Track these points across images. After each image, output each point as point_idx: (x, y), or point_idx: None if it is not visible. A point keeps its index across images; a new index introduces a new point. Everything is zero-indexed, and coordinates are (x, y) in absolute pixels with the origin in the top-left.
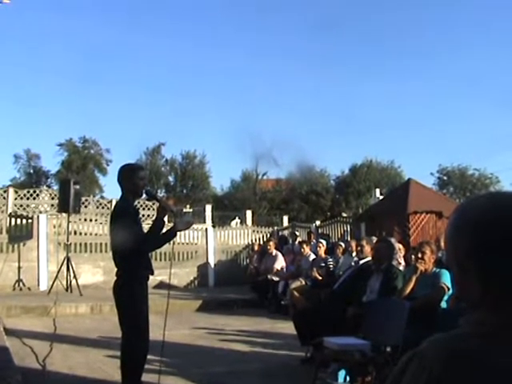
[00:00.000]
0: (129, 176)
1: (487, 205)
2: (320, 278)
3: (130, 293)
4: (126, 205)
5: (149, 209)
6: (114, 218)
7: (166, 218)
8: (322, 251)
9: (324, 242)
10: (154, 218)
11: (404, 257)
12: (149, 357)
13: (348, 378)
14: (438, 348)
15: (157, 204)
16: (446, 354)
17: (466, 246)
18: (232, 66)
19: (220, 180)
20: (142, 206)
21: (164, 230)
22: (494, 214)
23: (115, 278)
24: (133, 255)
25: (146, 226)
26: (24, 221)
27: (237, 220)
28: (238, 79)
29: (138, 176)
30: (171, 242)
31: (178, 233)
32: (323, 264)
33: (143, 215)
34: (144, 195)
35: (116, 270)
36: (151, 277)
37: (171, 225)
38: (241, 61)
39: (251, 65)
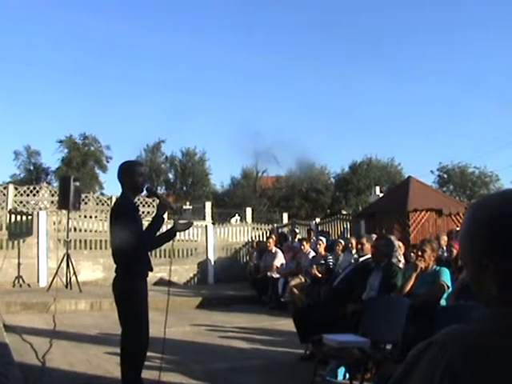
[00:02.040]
0: (128, 172)
1: (502, 201)
2: (320, 275)
3: (130, 289)
4: (125, 202)
5: (149, 205)
6: (113, 215)
7: (165, 215)
8: (321, 248)
9: (324, 240)
10: (153, 214)
11: (404, 254)
12: (149, 353)
13: (347, 375)
14: (458, 341)
15: (157, 201)
16: (468, 348)
17: (482, 244)
18: (232, 63)
19: (220, 177)
20: (141, 202)
21: (164, 229)
22: (508, 211)
23: (115, 274)
24: (132, 252)
25: (146, 224)
26: (24, 217)
27: (237, 217)
28: (238, 76)
29: (137, 172)
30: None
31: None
32: (323, 261)
33: (143, 212)
34: (144, 192)
35: (116, 266)
36: (151, 273)
37: (171, 221)
38: (241, 58)
39: (251, 62)
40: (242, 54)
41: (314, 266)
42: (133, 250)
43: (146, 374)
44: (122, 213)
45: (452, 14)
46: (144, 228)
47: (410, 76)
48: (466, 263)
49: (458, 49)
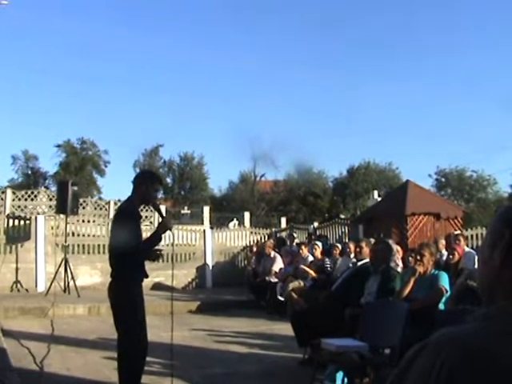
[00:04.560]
0: (146, 183)
1: None
2: (315, 274)
3: (126, 294)
4: (131, 208)
5: (146, 210)
6: (117, 217)
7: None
8: (317, 253)
9: (319, 244)
10: (154, 223)
11: (402, 258)
12: (148, 358)
13: (346, 380)
14: (453, 342)
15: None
16: (462, 348)
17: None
18: (231, 66)
19: (218, 181)
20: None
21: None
22: None
23: (110, 279)
24: (128, 256)
25: (143, 228)
26: (22, 222)
27: (235, 221)
28: (236, 80)
29: (154, 187)
30: (170, 244)
31: (176, 234)
32: (319, 265)
33: (141, 217)
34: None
35: (111, 270)
36: (148, 278)
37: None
38: (239, 61)
39: (250, 65)
40: (240, 58)
41: (307, 268)
42: (128, 254)
43: (145, 379)
44: (126, 218)
45: (451, 16)
46: (142, 238)
47: (408, 80)
48: (484, 256)
49: (457, 52)
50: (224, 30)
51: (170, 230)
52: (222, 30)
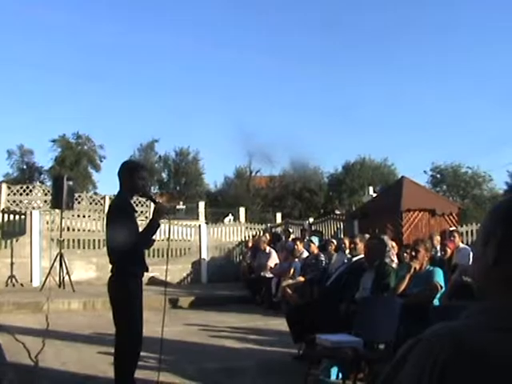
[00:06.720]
0: (130, 173)
1: None
2: (303, 278)
3: (125, 289)
4: (122, 201)
5: (142, 205)
6: (110, 214)
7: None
8: (313, 248)
9: (314, 240)
10: (149, 217)
11: (397, 254)
12: (142, 353)
13: (340, 375)
14: (446, 337)
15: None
16: (455, 344)
17: (493, 236)
18: (228, 62)
19: (213, 177)
20: (135, 202)
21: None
22: None
23: (110, 274)
24: (127, 252)
25: (139, 223)
26: (17, 217)
27: (230, 217)
28: (232, 76)
29: (138, 175)
30: (165, 238)
31: (171, 229)
32: (314, 261)
33: (135, 211)
34: (141, 194)
35: (111, 266)
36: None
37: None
38: (236, 57)
39: (246, 62)
40: (236, 54)
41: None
42: (128, 250)
43: (139, 374)
44: (119, 213)
45: (451, 14)
46: (140, 230)
47: (403, 77)
48: (477, 253)
49: (455, 49)
50: (222, 27)
51: (167, 214)
52: (219, 26)
